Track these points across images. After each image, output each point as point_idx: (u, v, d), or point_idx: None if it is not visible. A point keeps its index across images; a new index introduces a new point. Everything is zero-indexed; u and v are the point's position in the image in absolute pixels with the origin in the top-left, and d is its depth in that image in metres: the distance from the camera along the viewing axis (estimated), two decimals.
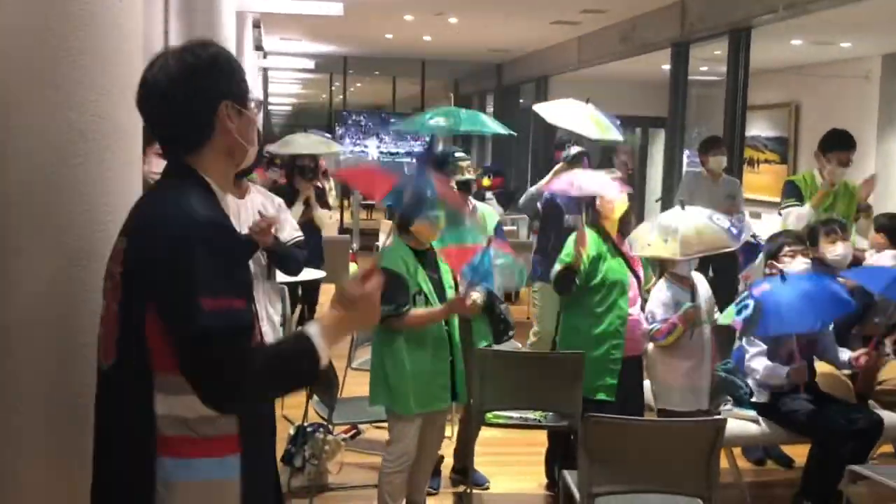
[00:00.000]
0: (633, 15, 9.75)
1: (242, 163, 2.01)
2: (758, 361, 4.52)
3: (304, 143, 8.22)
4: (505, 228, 4.98)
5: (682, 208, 4.40)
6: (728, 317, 4.40)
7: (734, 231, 4.26)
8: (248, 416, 1.87)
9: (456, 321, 4.08)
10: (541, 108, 5.63)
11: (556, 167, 5.81)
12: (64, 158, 2.13)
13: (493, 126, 5.78)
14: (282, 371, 1.84)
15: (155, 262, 1.76)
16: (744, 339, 4.59)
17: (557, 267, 4.40)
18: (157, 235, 1.79)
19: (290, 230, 4.31)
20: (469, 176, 4.87)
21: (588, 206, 4.54)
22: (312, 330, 1.85)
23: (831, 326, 4.66)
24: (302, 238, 4.39)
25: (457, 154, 4.95)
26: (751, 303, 4.26)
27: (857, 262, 5.25)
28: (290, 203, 6.24)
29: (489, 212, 4.94)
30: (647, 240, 4.34)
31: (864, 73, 9.44)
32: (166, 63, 1.88)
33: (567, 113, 5.48)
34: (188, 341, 1.73)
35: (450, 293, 4.04)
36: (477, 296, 4.48)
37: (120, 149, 2.25)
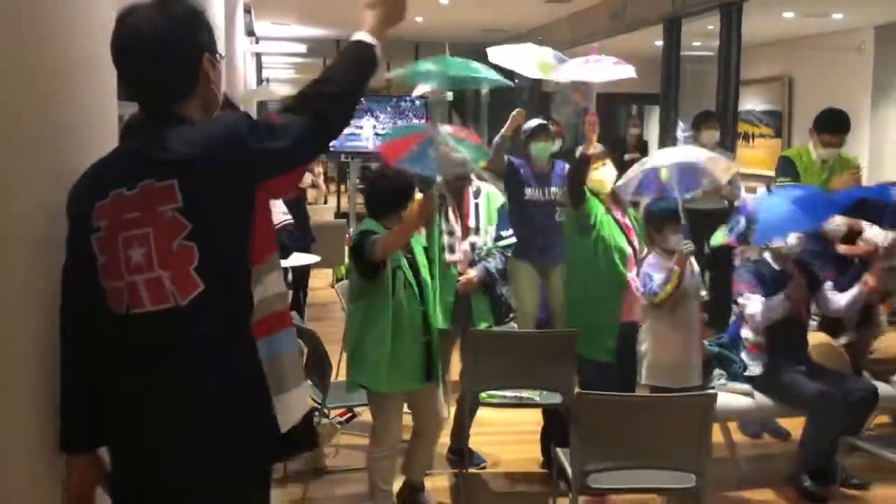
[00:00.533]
0: None
1: (213, 113, 2.08)
2: (753, 305, 4.50)
3: (277, 89, 8.08)
4: None
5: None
6: (719, 237, 4.42)
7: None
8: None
9: (434, 302, 4.05)
10: (492, 52, 5.58)
11: (513, 114, 5.61)
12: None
13: (486, 74, 5.48)
14: (356, 73, 2.04)
15: (238, 164, 1.88)
16: (739, 296, 4.57)
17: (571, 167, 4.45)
18: (220, 149, 1.89)
19: (279, 214, 4.30)
20: None
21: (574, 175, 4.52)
22: (357, 35, 2.08)
23: (830, 283, 4.66)
24: (291, 222, 4.38)
25: None
26: (741, 218, 4.28)
27: (852, 232, 5.23)
28: None
29: (493, 192, 4.83)
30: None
31: (857, 45, 9.39)
32: (149, 14, 1.93)
33: (514, 55, 5.44)
34: (302, 131, 1.91)
35: (424, 272, 4.02)
36: (474, 273, 4.49)
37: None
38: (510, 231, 4.72)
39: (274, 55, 18.07)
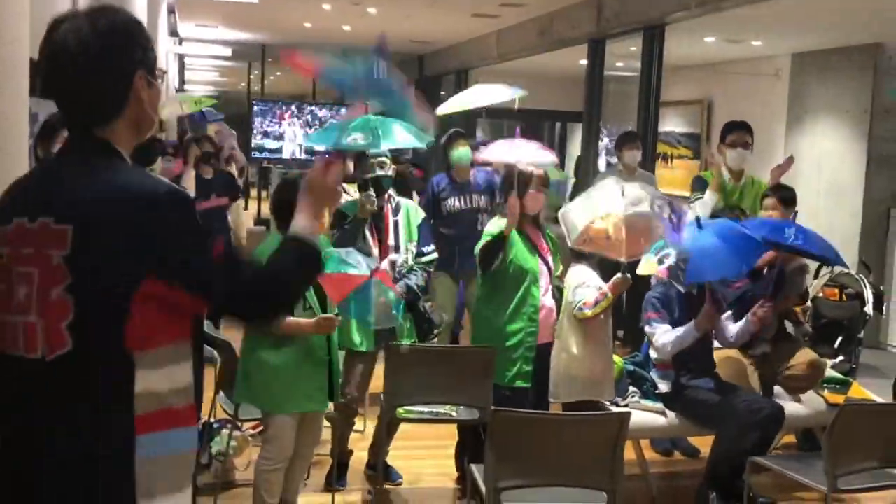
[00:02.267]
0: (551, 10, 9.80)
1: (146, 135, 1.95)
2: (662, 336, 4.55)
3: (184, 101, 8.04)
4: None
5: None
6: (650, 267, 4.44)
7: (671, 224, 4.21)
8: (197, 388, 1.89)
9: (349, 323, 4.05)
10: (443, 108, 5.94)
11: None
12: None
13: (411, 139, 5.43)
14: (298, 267, 1.93)
15: (143, 236, 1.72)
16: (647, 324, 4.64)
17: (483, 241, 4.39)
18: (129, 210, 1.72)
19: None
20: (384, 172, 4.60)
21: (506, 183, 4.53)
22: (295, 230, 1.96)
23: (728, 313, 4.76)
24: None
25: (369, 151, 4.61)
26: (671, 251, 4.31)
27: None
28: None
29: (413, 208, 4.77)
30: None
31: (775, 71, 9.66)
32: (77, 27, 1.77)
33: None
34: (224, 288, 1.80)
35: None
36: (398, 290, 4.45)
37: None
38: (432, 247, 4.68)
39: (198, 57, 17.81)
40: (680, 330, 4.51)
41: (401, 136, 4.72)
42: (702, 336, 4.55)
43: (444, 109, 6.15)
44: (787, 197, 5.12)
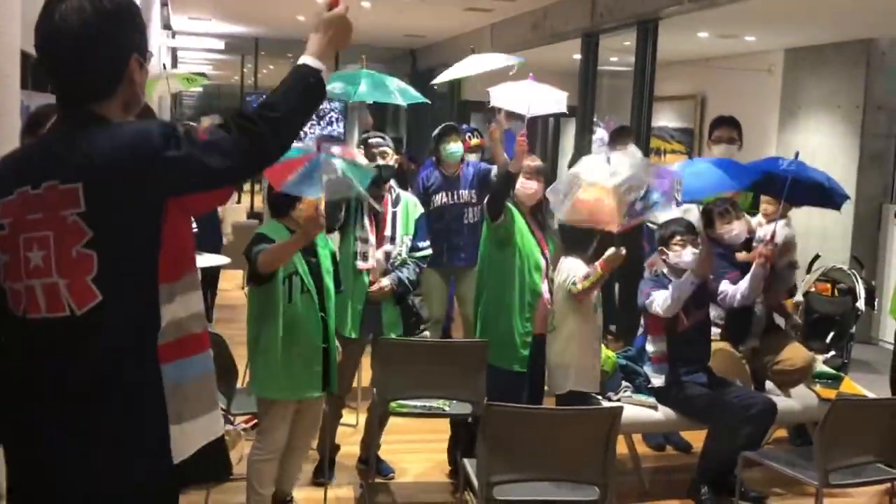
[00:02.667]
0: (545, 4, 9.80)
1: (132, 115, 1.98)
2: (660, 297, 4.54)
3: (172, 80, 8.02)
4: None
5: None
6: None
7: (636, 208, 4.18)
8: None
9: (333, 310, 4.01)
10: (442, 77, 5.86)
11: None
12: None
13: (400, 92, 5.45)
14: (299, 99, 1.96)
15: (147, 172, 1.79)
16: (647, 300, 4.64)
17: (494, 181, 4.43)
18: (131, 153, 1.79)
19: None
20: (385, 162, 4.56)
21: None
22: (303, 59, 1.99)
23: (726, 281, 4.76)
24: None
25: (371, 140, 4.63)
26: (654, 193, 4.24)
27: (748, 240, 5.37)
28: None
29: (413, 202, 4.73)
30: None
31: (767, 67, 9.67)
32: (80, 7, 1.83)
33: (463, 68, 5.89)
34: (232, 149, 1.83)
35: (328, 279, 3.97)
36: (386, 282, 4.45)
37: None
38: (427, 242, 4.67)
39: (191, 50, 17.74)
40: (678, 282, 4.51)
41: (396, 94, 4.86)
42: (701, 282, 4.50)
43: (441, 78, 6.14)
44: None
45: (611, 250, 4.22)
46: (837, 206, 4.96)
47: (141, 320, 1.83)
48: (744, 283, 4.67)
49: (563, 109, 4.80)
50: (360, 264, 4.43)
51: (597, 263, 4.29)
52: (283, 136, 1.93)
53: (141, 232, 1.81)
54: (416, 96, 5.62)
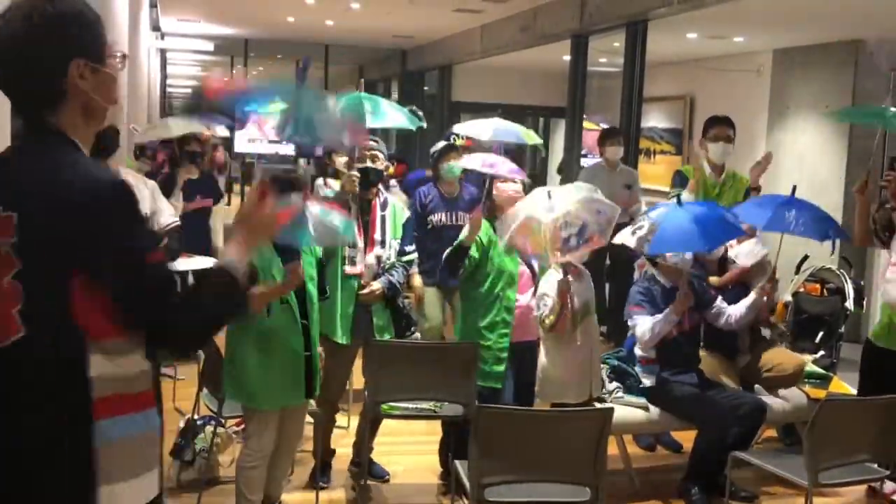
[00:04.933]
0: (534, 5, 9.81)
1: (102, 122, 1.94)
2: (642, 325, 4.58)
3: (176, 126, 7.55)
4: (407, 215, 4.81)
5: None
6: (624, 237, 4.47)
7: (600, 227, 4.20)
8: (155, 373, 1.89)
9: (316, 315, 3.99)
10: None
11: None
12: None
13: (399, 120, 5.30)
14: (220, 300, 1.89)
15: (75, 230, 1.72)
16: (629, 317, 4.66)
17: (447, 252, 4.40)
18: (66, 201, 1.73)
19: (167, 216, 4.17)
20: (375, 165, 4.51)
21: (486, 194, 4.57)
22: (223, 261, 1.92)
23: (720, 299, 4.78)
24: (178, 224, 4.25)
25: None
26: (646, 223, 4.33)
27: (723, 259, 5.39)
28: (168, 192, 6.07)
29: (399, 206, 4.74)
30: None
31: (756, 68, 9.70)
32: (12, 18, 1.80)
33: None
34: (144, 299, 1.76)
35: (310, 286, 3.95)
36: (378, 285, 4.45)
37: None
38: (413, 247, 4.68)
39: (180, 52, 17.70)
40: (658, 316, 4.54)
41: (392, 117, 4.75)
42: (681, 325, 4.57)
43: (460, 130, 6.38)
44: None
45: (559, 280, 4.23)
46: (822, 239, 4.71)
47: (66, 367, 1.75)
48: (739, 308, 4.72)
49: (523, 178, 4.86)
50: (348, 268, 4.42)
51: (554, 295, 4.27)
52: (194, 336, 1.94)
53: (56, 279, 1.74)
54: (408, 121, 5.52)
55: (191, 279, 1.98)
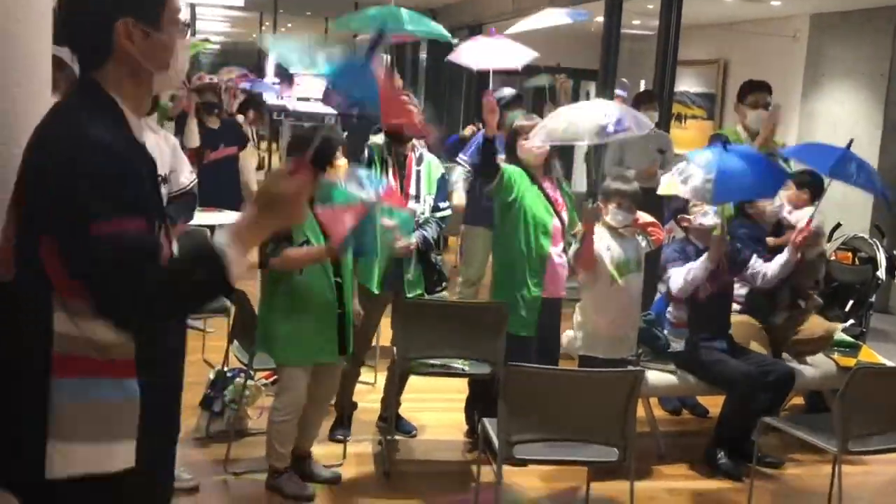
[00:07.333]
0: None
1: (158, 88, 1.94)
2: (676, 277, 4.55)
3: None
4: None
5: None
6: (671, 187, 4.40)
7: (608, 129, 4.13)
8: (147, 345, 1.83)
9: (349, 273, 4.01)
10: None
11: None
12: None
13: (434, 27, 5.58)
14: (182, 286, 1.78)
15: (44, 190, 1.74)
16: (664, 275, 4.65)
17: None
18: (45, 159, 1.75)
19: (186, 174, 4.15)
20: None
21: (509, 146, 4.55)
22: (221, 238, 1.78)
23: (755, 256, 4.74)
24: (195, 182, 4.24)
25: None
26: (694, 170, 4.21)
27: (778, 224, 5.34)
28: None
29: (435, 162, 4.73)
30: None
31: (792, 32, 9.56)
32: None
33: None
34: (87, 267, 1.71)
35: None
36: (413, 239, 4.44)
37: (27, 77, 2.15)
38: (447, 203, 4.69)
39: (208, 6, 17.62)
40: (693, 264, 4.50)
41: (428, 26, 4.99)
42: (715, 282, 4.53)
43: (514, 29, 6.40)
44: (807, 182, 5.13)
45: (587, 204, 4.29)
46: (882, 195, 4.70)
47: (39, 316, 1.77)
48: (773, 265, 4.66)
49: (518, 67, 4.88)
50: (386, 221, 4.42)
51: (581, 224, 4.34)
52: (154, 311, 1.78)
53: (33, 229, 1.78)
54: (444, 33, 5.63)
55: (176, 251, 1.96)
